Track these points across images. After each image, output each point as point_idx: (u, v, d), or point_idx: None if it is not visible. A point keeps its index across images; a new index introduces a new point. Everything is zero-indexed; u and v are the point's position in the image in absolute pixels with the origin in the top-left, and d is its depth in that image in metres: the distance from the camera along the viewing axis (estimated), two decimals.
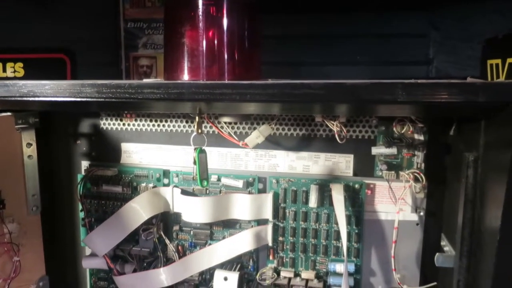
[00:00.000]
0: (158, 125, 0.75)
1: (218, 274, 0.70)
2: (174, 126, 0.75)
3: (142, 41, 1.14)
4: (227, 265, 0.73)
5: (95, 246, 0.72)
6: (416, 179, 0.65)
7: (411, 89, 0.42)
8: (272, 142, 0.72)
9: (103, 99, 0.49)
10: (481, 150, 0.52)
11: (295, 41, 1.10)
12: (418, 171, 0.65)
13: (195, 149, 0.61)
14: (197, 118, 0.57)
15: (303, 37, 1.11)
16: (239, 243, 0.71)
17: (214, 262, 0.71)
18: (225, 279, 0.69)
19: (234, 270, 0.72)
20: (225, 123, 0.68)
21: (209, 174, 0.72)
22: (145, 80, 0.56)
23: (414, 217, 0.68)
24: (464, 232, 0.54)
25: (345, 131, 0.63)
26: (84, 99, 0.50)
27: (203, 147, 0.62)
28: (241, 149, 0.72)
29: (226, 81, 0.56)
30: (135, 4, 1.13)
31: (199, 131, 0.58)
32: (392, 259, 0.66)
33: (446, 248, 0.63)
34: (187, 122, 0.74)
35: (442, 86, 0.42)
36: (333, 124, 0.62)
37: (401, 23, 1.07)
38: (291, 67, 1.11)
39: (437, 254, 0.62)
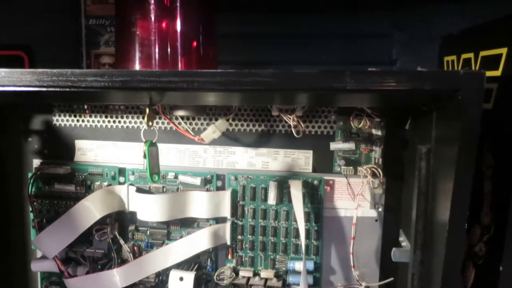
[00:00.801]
0: (114, 121, 0.73)
1: (174, 274, 0.68)
2: (130, 122, 0.72)
3: (104, 38, 1.10)
4: (184, 265, 0.71)
5: (45, 248, 0.68)
6: (374, 174, 0.64)
7: (359, 77, 0.42)
8: (230, 139, 0.70)
9: (44, 88, 0.47)
10: (433, 142, 0.52)
11: (262, 40, 1.09)
12: (375, 166, 0.64)
13: (145, 142, 0.59)
14: (147, 110, 0.55)
15: (270, 36, 1.10)
16: (196, 242, 0.69)
17: (170, 262, 0.69)
18: (181, 279, 0.67)
19: (192, 270, 0.70)
20: (180, 117, 0.66)
21: (166, 171, 0.70)
22: None
23: (373, 213, 0.68)
24: (417, 225, 0.54)
25: (302, 125, 0.62)
26: (24, 88, 0.47)
27: (154, 141, 0.60)
28: (200, 145, 0.71)
29: (173, 70, 0.54)
30: (97, 0, 1.10)
31: (150, 124, 0.56)
32: (351, 256, 0.66)
33: (403, 244, 0.63)
34: (143, 118, 0.71)
35: (390, 74, 0.41)
36: (290, 118, 0.61)
37: (366, 24, 1.08)
38: (257, 66, 1.10)
39: (393, 249, 0.61)
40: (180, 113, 0.62)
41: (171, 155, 0.71)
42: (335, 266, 0.70)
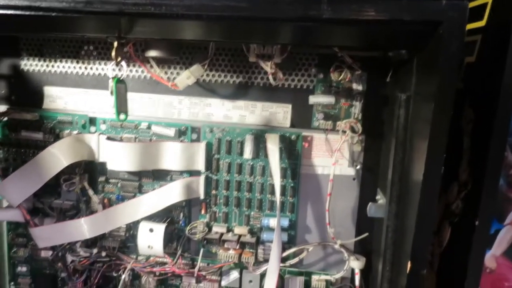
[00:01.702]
0: (86, 68, 0.69)
1: (143, 226, 0.65)
2: (103, 69, 0.69)
3: None
4: (156, 219, 0.68)
5: (9, 195, 0.65)
6: (353, 130, 0.62)
7: (337, 6, 0.39)
8: (207, 90, 0.67)
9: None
10: (413, 90, 0.50)
11: None
12: (355, 121, 0.62)
13: (112, 78, 0.56)
14: (115, 43, 0.52)
15: None
16: (168, 194, 0.66)
17: (141, 214, 0.67)
18: (151, 230, 0.65)
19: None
20: (153, 59, 0.63)
21: (138, 121, 0.67)
22: None
23: (351, 171, 0.66)
24: (394, 177, 0.52)
25: (280, 74, 0.60)
26: None
27: (121, 78, 0.57)
28: (174, 96, 0.68)
29: None
30: None
31: (118, 59, 0.53)
32: (327, 213, 0.64)
33: (380, 201, 0.62)
34: (117, 65, 0.68)
35: (369, 3, 0.39)
36: (268, 65, 0.58)
37: None
38: None
39: (369, 204, 0.60)
40: (152, 53, 0.59)
41: (144, 105, 0.69)
42: (310, 224, 0.68)
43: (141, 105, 0.68)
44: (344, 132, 0.63)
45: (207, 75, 0.67)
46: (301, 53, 0.64)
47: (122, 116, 0.57)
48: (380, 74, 0.62)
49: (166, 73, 0.67)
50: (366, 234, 0.64)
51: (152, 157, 0.66)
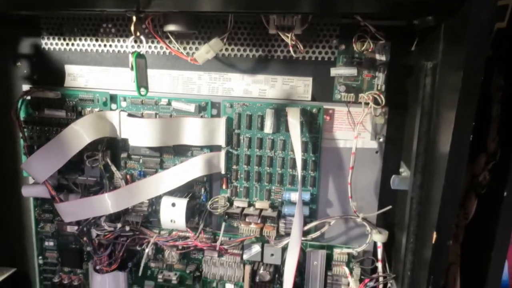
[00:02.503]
0: (105, 46, 0.69)
1: (166, 200, 0.66)
2: (122, 47, 0.69)
3: None
4: (178, 194, 0.69)
5: (35, 172, 0.67)
6: (376, 102, 0.61)
7: None
8: (226, 65, 0.67)
9: None
10: (440, 57, 0.48)
11: None
12: (378, 92, 0.61)
13: (132, 53, 0.55)
14: (133, 17, 0.51)
15: None
16: (190, 169, 0.67)
17: (163, 189, 0.67)
18: (173, 205, 0.66)
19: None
20: (171, 33, 0.62)
21: (158, 97, 0.67)
22: None
23: (374, 144, 0.65)
24: (419, 148, 0.51)
25: (301, 46, 0.58)
26: None
27: (141, 52, 0.56)
28: (194, 71, 0.67)
29: None
30: None
31: (137, 34, 0.52)
32: (349, 187, 0.63)
33: (404, 174, 0.61)
34: (135, 42, 0.68)
35: None
36: (288, 37, 0.57)
37: None
38: None
39: (393, 176, 0.59)
40: (171, 28, 0.58)
41: (164, 81, 0.68)
42: (332, 197, 0.68)
43: (161, 81, 0.68)
44: (366, 104, 0.62)
45: (226, 49, 0.66)
46: (322, 24, 0.62)
47: (143, 91, 0.57)
48: (404, 43, 0.60)
49: (185, 48, 0.66)
50: (389, 207, 0.63)
51: (173, 133, 0.66)
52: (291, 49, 0.58)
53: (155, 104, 0.68)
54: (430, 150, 0.50)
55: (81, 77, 0.71)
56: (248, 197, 0.69)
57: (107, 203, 0.66)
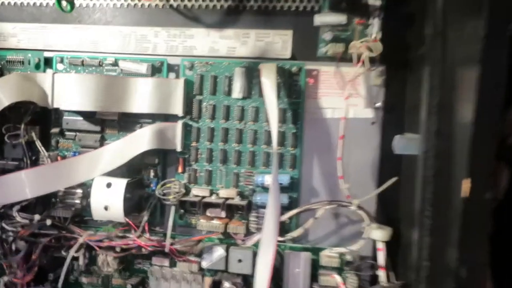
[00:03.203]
0: None
1: (99, 181, 0.50)
2: None
3: None
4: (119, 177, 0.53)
5: None
6: (371, 51, 0.49)
7: None
8: (189, 18, 0.55)
9: None
10: None
11: None
12: (373, 39, 0.49)
13: None
14: None
15: None
16: (136, 143, 0.52)
17: (101, 169, 0.52)
18: (108, 185, 0.50)
19: None
20: None
21: (103, 57, 0.55)
22: None
23: (369, 113, 0.52)
24: (430, 108, 0.38)
25: None
26: None
27: None
28: (149, 28, 0.55)
29: None
30: None
31: None
32: (339, 163, 0.49)
33: (409, 136, 0.47)
34: None
35: None
36: None
37: None
38: None
39: (396, 137, 0.45)
40: None
41: (113, 40, 0.56)
42: (318, 181, 0.53)
43: (109, 40, 0.56)
44: (358, 58, 0.49)
45: None
46: None
47: (67, 7, 0.44)
48: None
49: None
50: (395, 179, 0.48)
51: (117, 96, 0.52)
52: None
53: (99, 65, 0.55)
54: (446, 113, 0.37)
55: (13, 36, 0.58)
56: (211, 184, 0.54)
57: (24, 183, 0.50)
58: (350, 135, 0.50)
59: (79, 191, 0.55)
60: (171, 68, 0.55)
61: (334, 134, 0.52)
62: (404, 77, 0.51)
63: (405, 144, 0.43)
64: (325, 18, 0.51)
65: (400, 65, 0.51)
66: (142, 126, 0.54)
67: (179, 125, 0.53)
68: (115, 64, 0.55)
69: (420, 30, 0.46)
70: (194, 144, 0.54)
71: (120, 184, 0.50)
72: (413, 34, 0.50)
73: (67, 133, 0.56)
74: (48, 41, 0.57)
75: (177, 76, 0.54)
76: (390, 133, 0.51)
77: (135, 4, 0.56)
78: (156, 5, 0.55)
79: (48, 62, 0.56)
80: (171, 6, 0.55)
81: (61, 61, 0.56)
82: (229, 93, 0.53)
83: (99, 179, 0.51)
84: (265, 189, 0.52)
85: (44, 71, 0.56)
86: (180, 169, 0.54)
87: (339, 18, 0.50)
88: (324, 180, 0.52)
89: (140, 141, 0.52)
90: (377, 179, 0.51)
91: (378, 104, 0.51)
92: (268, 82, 0.49)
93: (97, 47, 0.56)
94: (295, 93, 0.52)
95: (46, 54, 0.56)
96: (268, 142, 0.53)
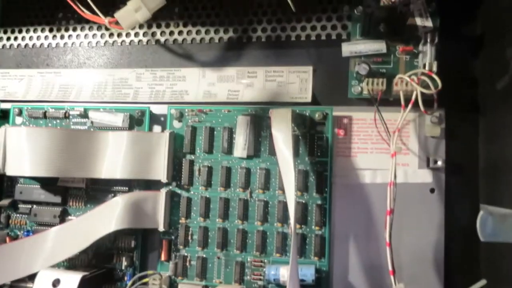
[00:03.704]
0: (8, 38, 0.47)
1: (43, 276, 0.36)
2: (31, 38, 0.47)
3: None
4: (80, 269, 0.39)
5: None
6: (426, 86, 0.34)
7: None
8: (180, 56, 0.43)
9: None
10: None
11: None
12: (427, 71, 0.35)
13: None
14: None
15: None
16: (102, 221, 0.38)
17: (48, 259, 0.38)
18: (55, 284, 0.35)
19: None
20: None
21: (70, 106, 0.43)
22: None
23: (426, 176, 0.37)
24: None
25: None
26: None
27: None
28: (130, 69, 0.44)
29: None
30: None
31: None
32: (387, 250, 0.33)
33: (502, 211, 0.31)
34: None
35: None
36: None
37: None
38: None
39: (481, 214, 0.29)
40: None
41: (84, 86, 0.44)
42: (355, 276, 0.36)
43: (81, 85, 0.44)
44: (407, 98, 0.35)
45: (180, 32, 0.43)
46: None
47: None
48: None
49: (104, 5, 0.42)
50: (483, 282, 0.31)
51: (84, 156, 0.39)
52: None
53: (65, 117, 0.43)
54: None
55: None
56: (205, 277, 0.39)
57: None
58: (401, 209, 0.35)
59: (30, 286, 0.40)
60: (155, 119, 0.42)
61: (377, 207, 0.37)
62: (474, 123, 0.36)
63: (498, 225, 0.27)
64: (357, 47, 0.37)
65: (466, 107, 0.37)
66: (115, 195, 0.41)
67: (162, 194, 0.39)
68: (85, 115, 0.42)
69: (496, 55, 0.32)
70: (182, 221, 0.39)
71: (71, 281, 0.35)
72: (485, 62, 0.36)
73: (20, 205, 0.43)
74: (8, 89, 0.46)
75: (163, 129, 0.41)
76: (458, 205, 0.35)
77: (113, 42, 0.44)
78: (140, 41, 0.44)
79: (5, 115, 0.45)
80: (157, 41, 0.43)
81: (19, 113, 0.44)
82: (230, 150, 0.39)
83: (44, 273, 0.36)
84: (280, 287, 0.36)
85: None
86: (163, 256, 0.39)
87: (377, 46, 0.37)
88: (365, 275, 0.36)
89: (109, 217, 0.38)
90: (443, 275, 0.35)
91: (439, 163, 0.36)
92: (281, 134, 0.35)
93: (65, 95, 0.44)
94: (320, 149, 0.38)
95: (3, 106, 0.45)
96: (284, 219, 0.38)
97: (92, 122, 0.42)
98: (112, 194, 0.41)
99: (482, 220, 0.28)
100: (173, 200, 0.40)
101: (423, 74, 0.34)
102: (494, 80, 0.33)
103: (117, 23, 0.37)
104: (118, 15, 0.37)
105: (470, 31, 0.37)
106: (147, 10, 0.37)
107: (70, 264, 0.40)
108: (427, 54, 0.36)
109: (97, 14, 0.38)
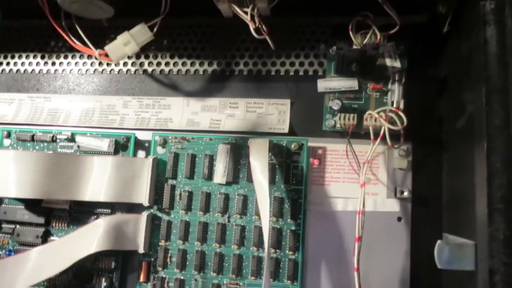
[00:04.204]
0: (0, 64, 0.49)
1: None
2: (23, 64, 0.49)
3: None
4: None
5: None
6: (393, 123, 0.37)
7: None
8: (166, 86, 0.45)
9: None
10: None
11: None
12: (395, 108, 0.37)
13: None
14: None
15: None
16: (83, 242, 0.39)
17: (36, 279, 0.39)
18: None
19: None
20: (76, 18, 0.42)
21: (58, 130, 0.44)
22: None
23: (394, 205, 0.39)
24: (493, 198, 0.26)
25: (264, 28, 0.37)
26: None
27: None
28: (118, 97, 0.46)
29: None
30: None
31: None
32: (355, 275, 0.35)
33: (459, 241, 0.33)
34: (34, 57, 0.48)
35: None
36: (247, 13, 0.36)
37: None
38: None
39: (438, 243, 0.31)
40: (74, 6, 0.38)
41: (73, 111, 0.46)
42: None
43: (69, 110, 0.46)
44: (376, 133, 0.38)
45: (167, 63, 0.45)
46: (304, 25, 0.43)
47: None
48: (426, 34, 0.39)
49: (96, 38, 0.45)
50: None
51: (68, 179, 0.41)
52: (253, 31, 0.37)
53: (52, 140, 0.45)
54: None
55: None
56: None
57: None
58: (370, 236, 0.37)
59: None
60: (140, 144, 0.44)
61: (348, 234, 0.39)
62: (439, 158, 0.39)
63: (454, 254, 0.30)
64: (332, 84, 0.40)
65: (432, 142, 0.39)
66: (98, 218, 0.42)
67: (143, 218, 0.41)
68: (72, 139, 0.44)
69: (456, 97, 0.35)
70: (162, 243, 0.41)
71: None
72: (448, 102, 0.39)
73: (4, 225, 0.44)
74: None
75: (147, 155, 0.43)
76: (423, 233, 0.38)
77: (103, 70, 0.47)
78: (128, 70, 0.46)
79: None
80: (145, 71, 0.46)
81: (8, 135, 0.46)
82: (210, 176, 0.41)
83: None
84: None
85: None
86: (142, 278, 0.41)
87: (350, 83, 0.40)
88: None
89: (91, 238, 0.39)
90: None
91: (406, 194, 0.39)
92: (259, 163, 0.38)
93: (54, 120, 0.46)
94: (295, 177, 0.40)
95: None
96: (259, 243, 0.39)
97: (78, 146, 0.44)
98: (95, 216, 0.42)
99: (439, 248, 0.30)
100: (153, 223, 0.41)
101: (391, 111, 0.37)
102: (455, 119, 0.36)
103: (106, 55, 0.39)
104: (108, 48, 0.39)
105: (435, 73, 0.40)
106: (135, 44, 0.39)
107: (50, 284, 0.41)
108: (395, 93, 0.39)
109: (88, 46, 0.40)
